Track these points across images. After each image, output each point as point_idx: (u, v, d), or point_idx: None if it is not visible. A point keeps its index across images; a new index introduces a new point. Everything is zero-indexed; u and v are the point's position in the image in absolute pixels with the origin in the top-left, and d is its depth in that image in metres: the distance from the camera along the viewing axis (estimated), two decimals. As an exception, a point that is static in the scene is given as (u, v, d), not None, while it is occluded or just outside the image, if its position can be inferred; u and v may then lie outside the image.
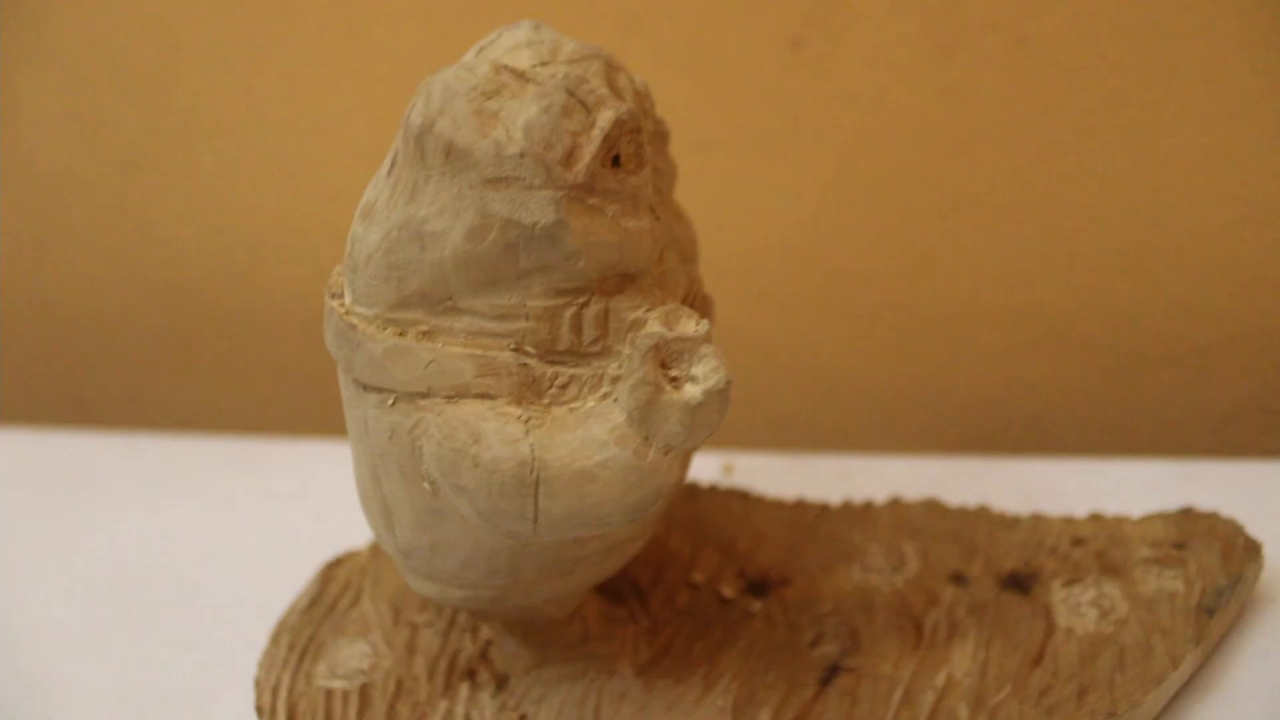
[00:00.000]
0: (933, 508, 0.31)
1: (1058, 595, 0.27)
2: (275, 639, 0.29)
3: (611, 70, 0.22)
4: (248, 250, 0.47)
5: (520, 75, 0.20)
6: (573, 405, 0.21)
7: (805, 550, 0.30)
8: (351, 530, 0.37)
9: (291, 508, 0.39)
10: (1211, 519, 0.28)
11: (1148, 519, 0.29)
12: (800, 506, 0.31)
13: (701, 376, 0.20)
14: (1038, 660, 0.25)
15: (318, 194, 0.45)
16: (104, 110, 0.45)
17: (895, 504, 0.31)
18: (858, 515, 0.31)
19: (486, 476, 0.20)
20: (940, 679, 0.25)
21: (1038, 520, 0.30)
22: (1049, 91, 0.37)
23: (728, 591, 0.29)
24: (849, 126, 0.39)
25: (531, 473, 0.20)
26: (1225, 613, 0.26)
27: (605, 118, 0.20)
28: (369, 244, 0.21)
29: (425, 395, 0.21)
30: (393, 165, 0.21)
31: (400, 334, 0.21)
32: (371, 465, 0.22)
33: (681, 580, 0.29)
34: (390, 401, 0.21)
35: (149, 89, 0.44)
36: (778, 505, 0.32)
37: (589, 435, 0.20)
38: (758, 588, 0.29)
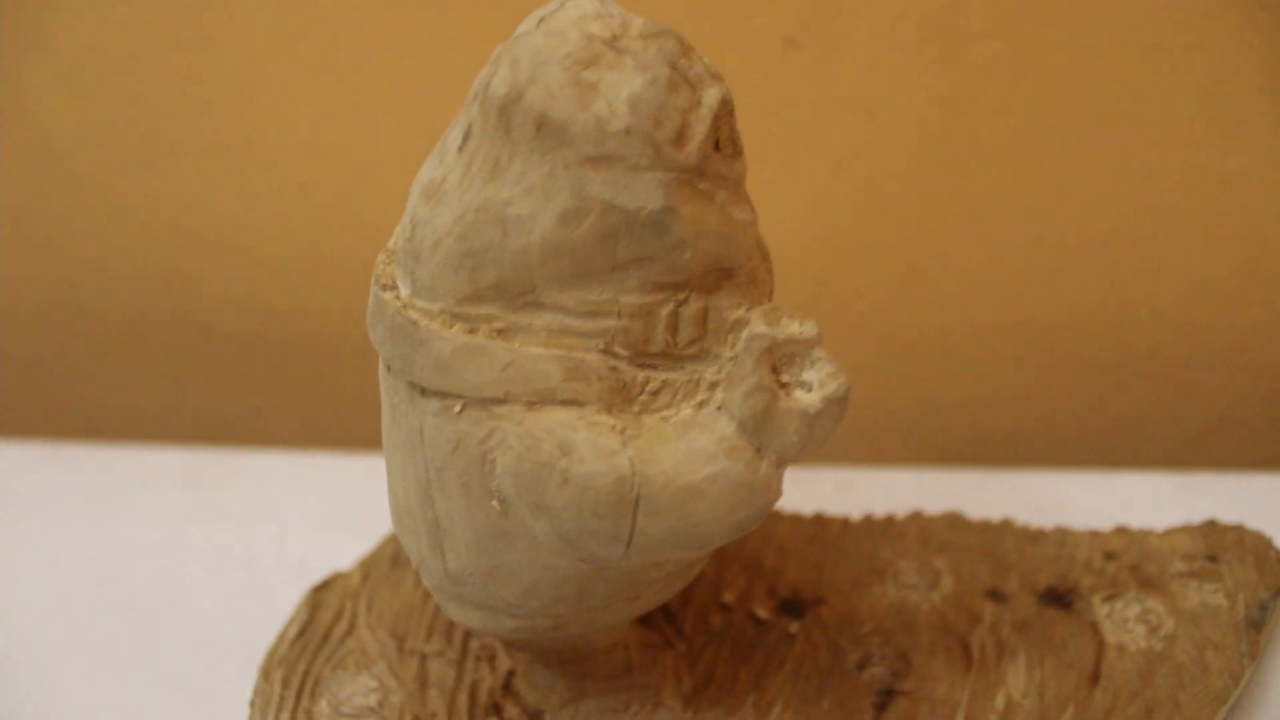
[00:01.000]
0: (956, 521, 0.30)
1: (1101, 611, 0.26)
2: (266, 675, 0.26)
3: (686, 49, 0.20)
4: (185, 251, 0.43)
5: (612, 45, 0.18)
6: (665, 413, 0.19)
7: (834, 567, 0.28)
8: (325, 549, 0.34)
9: (253, 525, 0.36)
10: (1239, 531, 0.28)
11: (1174, 532, 0.29)
12: (821, 521, 0.30)
13: (817, 382, 0.18)
14: (1095, 679, 0.25)
15: (265, 188, 0.42)
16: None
17: (918, 517, 0.30)
18: (882, 530, 0.30)
19: (577, 494, 0.18)
20: (1000, 701, 0.24)
21: (1064, 534, 0.29)
22: (1036, 104, 0.37)
23: (762, 612, 0.27)
24: (836, 134, 0.38)
25: (631, 489, 0.18)
26: (1269, 626, 0.26)
27: (712, 96, 0.18)
28: (437, 228, 0.18)
29: (501, 401, 0.18)
30: (465, 139, 0.18)
31: (471, 331, 0.18)
32: (422, 480, 0.20)
33: (712, 601, 0.27)
34: (457, 408, 0.18)
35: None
36: (797, 520, 0.30)
37: (695, 447, 0.18)
38: (792, 607, 0.27)
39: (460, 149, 0.18)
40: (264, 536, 0.36)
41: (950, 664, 0.25)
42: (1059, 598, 0.27)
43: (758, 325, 0.18)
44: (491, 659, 0.26)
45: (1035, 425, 0.41)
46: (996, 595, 0.27)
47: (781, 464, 0.18)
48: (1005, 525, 0.30)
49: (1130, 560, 0.28)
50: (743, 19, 0.38)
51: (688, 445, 0.18)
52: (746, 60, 0.38)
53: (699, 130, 0.18)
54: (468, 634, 0.27)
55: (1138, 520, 0.31)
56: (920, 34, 0.37)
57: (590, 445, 0.18)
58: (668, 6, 0.38)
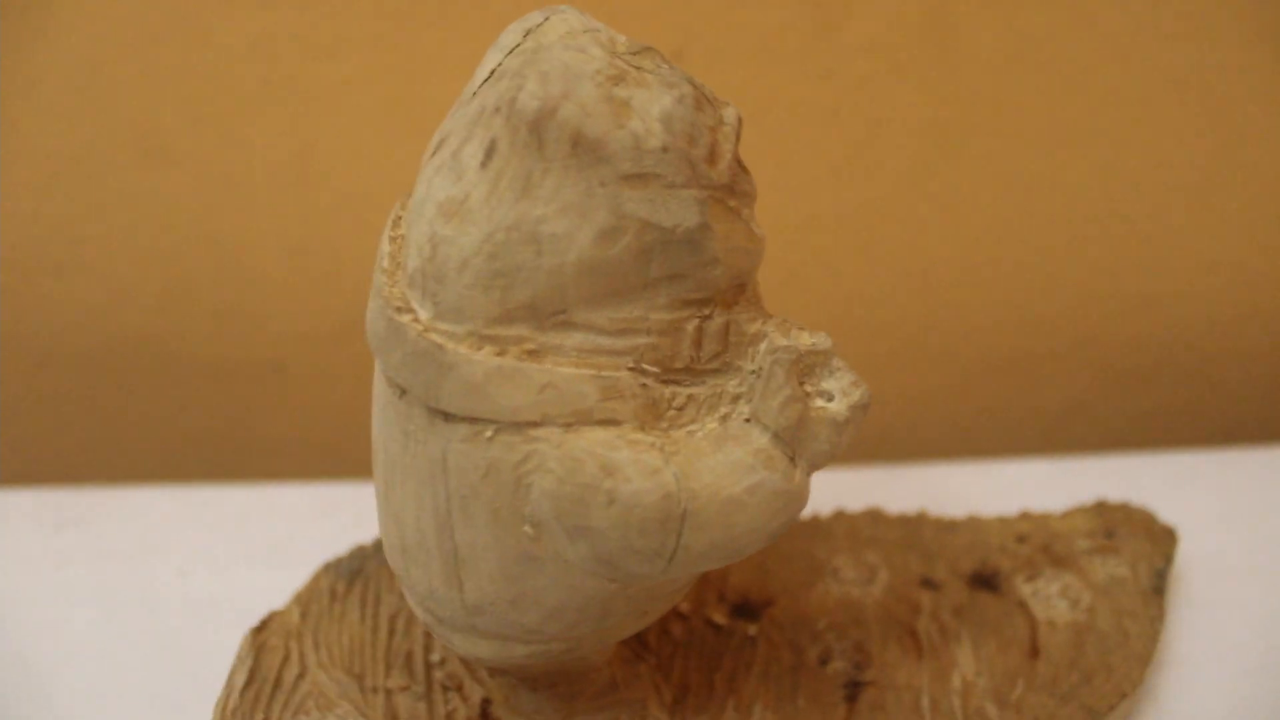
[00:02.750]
0: (877, 517, 0.32)
1: (1025, 590, 0.29)
2: (221, 730, 0.24)
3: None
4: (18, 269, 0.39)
5: (629, 62, 0.18)
6: (690, 428, 0.19)
7: (776, 568, 0.29)
8: (230, 587, 0.32)
9: (145, 565, 0.33)
10: (1126, 509, 0.31)
11: (1071, 513, 0.31)
12: (756, 524, 0.31)
13: (839, 391, 0.19)
14: (1035, 653, 0.27)
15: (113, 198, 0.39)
16: None
17: (841, 515, 0.32)
18: (812, 529, 0.31)
19: (624, 513, 0.18)
20: (956, 682, 0.26)
21: (975, 522, 0.31)
22: (901, 111, 0.39)
23: (718, 618, 0.28)
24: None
25: (678, 505, 0.18)
26: (1167, 591, 0.29)
27: (731, 114, 0.19)
28: (464, 247, 0.18)
29: (538, 424, 0.18)
30: (489, 155, 0.18)
31: (500, 354, 0.18)
32: (441, 510, 0.19)
33: (669, 612, 0.27)
34: (489, 433, 0.18)
35: None
36: (733, 525, 0.31)
37: (733, 459, 0.18)
38: (744, 610, 0.28)
39: (483, 165, 0.18)
40: (159, 577, 0.33)
41: (903, 652, 0.27)
42: (985, 581, 0.29)
43: (780, 338, 0.19)
44: (460, 688, 0.25)
45: (901, 420, 0.43)
46: (930, 584, 0.29)
47: (812, 471, 0.19)
48: (922, 517, 0.32)
49: (1040, 541, 0.30)
50: (630, 29, 0.39)
51: (725, 458, 0.18)
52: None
53: (726, 148, 0.18)
54: (429, 665, 0.26)
55: (1025, 502, 0.33)
56: (802, 45, 0.38)
57: (634, 464, 0.18)
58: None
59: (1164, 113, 0.39)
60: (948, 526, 0.31)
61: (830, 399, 0.19)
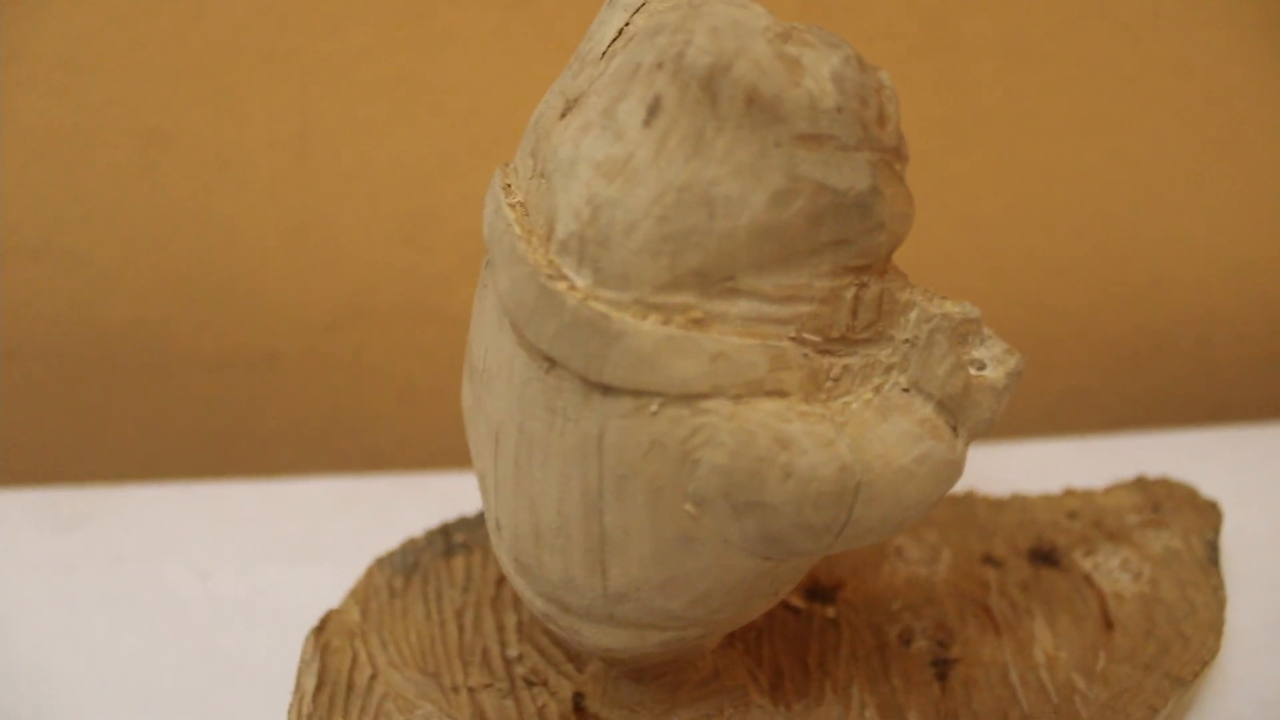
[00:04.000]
0: (927, 497, 0.32)
1: (1086, 564, 0.29)
2: (305, 737, 0.22)
3: None
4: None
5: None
6: (845, 399, 0.18)
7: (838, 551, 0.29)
8: (256, 586, 0.31)
9: (155, 568, 0.31)
10: (1166, 484, 0.32)
11: (1113, 489, 0.32)
12: (813, 507, 0.31)
13: (992, 359, 0.19)
14: (1109, 625, 0.27)
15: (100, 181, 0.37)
16: None
17: (892, 496, 0.31)
18: (868, 510, 0.31)
19: (800, 488, 0.17)
20: (1039, 656, 0.26)
21: (1022, 500, 0.32)
22: (904, 100, 0.39)
23: (796, 601, 0.27)
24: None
25: (853, 477, 0.17)
26: (1220, 561, 0.29)
27: (887, 77, 0.18)
28: (631, 209, 0.17)
29: (708, 396, 0.17)
30: (653, 112, 0.17)
31: (665, 322, 0.17)
32: (591, 491, 0.18)
33: (748, 595, 0.27)
34: (654, 407, 0.17)
35: None
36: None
37: (900, 429, 0.18)
38: (818, 594, 0.28)
39: (647, 123, 0.17)
40: (178, 579, 0.31)
41: (981, 629, 0.27)
42: (1046, 556, 0.29)
43: (933, 306, 0.19)
44: (545, 683, 0.24)
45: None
46: (992, 561, 0.29)
47: (971, 439, 0.19)
48: (972, 496, 0.32)
49: (1090, 517, 0.31)
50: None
51: (893, 428, 0.18)
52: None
53: (891, 110, 0.18)
54: (508, 661, 0.25)
55: (1042, 482, 0.34)
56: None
57: (809, 436, 0.17)
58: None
59: (1165, 100, 0.40)
60: (996, 505, 0.31)
61: (982, 367, 0.19)
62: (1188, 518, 0.30)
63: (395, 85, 0.38)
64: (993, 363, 0.19)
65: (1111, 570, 0.29)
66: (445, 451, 0.43)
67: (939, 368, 0.18)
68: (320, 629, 0.25)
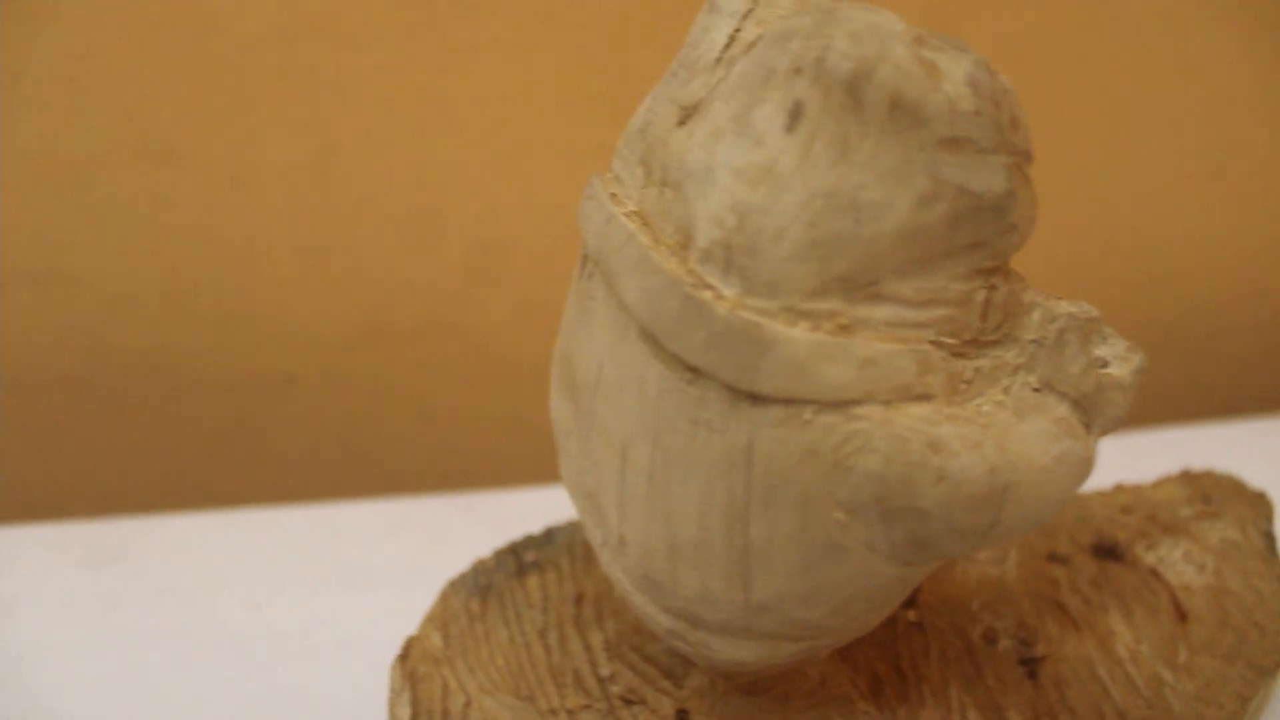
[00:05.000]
0: (981, 497, 0.32)
1: (1150, 558, 0.29)
2: (414, 770, 0.22)
3: None
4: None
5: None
6: (977, 401, 0.18)
7: (908, 554, 0.29)
8: (311, 615, 0.30)
9: (203, 601, 0.30)
10: (1212, 476, 0.32)
11: (1161, 483, 0.32)
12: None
13: (1115, 357, 0.19)
14: (1183, 617, 0.27)
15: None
16: None
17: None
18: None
19: (953, 490, 0.17)
20: (1122, 651, 0.26)
21: (1077, 497, 0.32)
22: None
23: (877, 606, 0.27)
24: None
25: (1001, 478, 0.17)
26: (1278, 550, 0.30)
27: (1008, 82, 0.18)
28: (778, 216, 0.17)
29: (859, 403, 0.17)
30: (795, 118, 0.17)
31: (813, 329, 0.17)
32: (737, 503, 0.18)
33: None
34: (807, 415, 0.17)
35: None
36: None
37: (1039, 429, 0.18)
38: (897, 598, 0.27)
39: (789, 129, 0.17)
40: (229, 611, 0.30)
41: (1060, 626, 0.27)
42: (1109, 552, 0.30)
43: (1058, 306, 0.19)
44: (643, 701, 0.24)
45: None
46: (1057, 558, 0.29)
47: (1101, 437, 0.19)
48: (1024, 494, 0.32)
49: (1145, 512, 0.31)
50: (678, 16, 0.38)
51: (1031, 428, 0.18)
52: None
53: (1020, 113, 0.18)
54: (601, 681, 0.24)
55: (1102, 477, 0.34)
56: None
57: (958, 439, 0.17)
58: (604, 3, 0.37)
59: (1169, 96, 0.41)
60: (1049, 503, 0.32)
61: (1105, 365, 0.19)
62: (1239, 509, 0.31)
63: (413, 101, 0.38)
64: (1116, 360, 0.19)
65: (1175, 563, 0.29)
66: (472, 471, 0.42)
67: (1072, 367, 0.18)
68: (404, 656, 0.24)
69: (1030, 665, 0.26)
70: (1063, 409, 0.18)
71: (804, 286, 0.17)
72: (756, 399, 0.17)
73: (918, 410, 0.17)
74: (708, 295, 0.17)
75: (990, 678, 0.25)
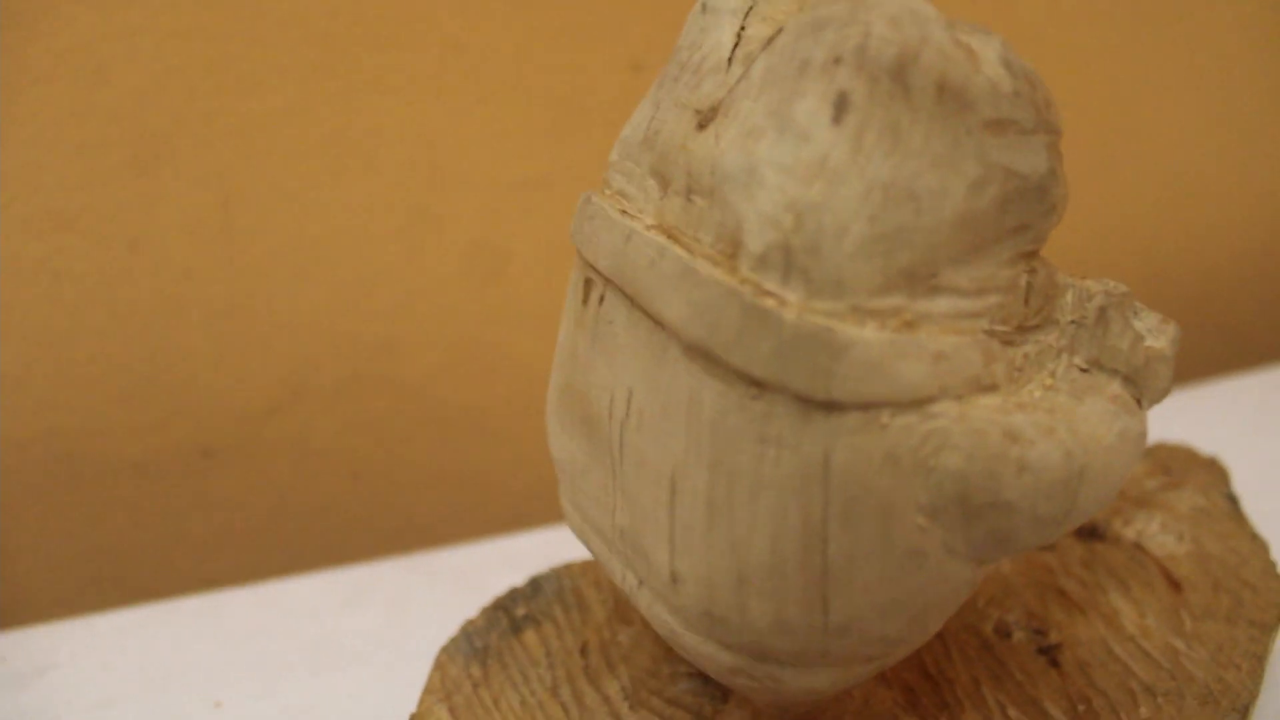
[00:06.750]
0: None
1: (1129, 533, 0.30)
2: None
3: None
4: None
5: None
6: (1029, 387, 0.18)
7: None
8: (281, 705, 0.27)
9: (159, 706, 0.27)
10: (1166, 447, 0.33)
11: (1119, 459, 0.33)
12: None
13: (1150, 330, 0.19)
14: (1177, 587, 0.28)
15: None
16: None
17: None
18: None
19: (1034, 479, 0.16)
20: (1130, 628, 0.26)
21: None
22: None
23: (888, 615, 0.26)
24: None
25: (1076, 462, 0.17)
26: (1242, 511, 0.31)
27: (1029, 63, 0.18)
28: (839, 212, 0.16)
29: (935, 399, 0.16)
30: (841, 109, 0.16)
31: (881, 328, 0.16)
32: (814, 521, 0.16)
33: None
34: (885, 418, 0.16)
35: None
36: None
37: (1098, 409, 0.18)
38: (904, 604, 0.27)
39: (837, 120, 0.16)
40: (191, 713, 0.27)
41: (1066, 611, 0.27)
42: (1091, 532, 0.30)
43: (1092, 285, 0.19)
44: (682, 746, 0.22)
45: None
46: (1045, 545, 0.29)
47: (1149, 408, 0.19)
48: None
49: (1112, 488, 0.32)
50: (589, 45, 0.37)
51: (1091, 408, 0.18)
52: (593, 84, 0.37)
53: (1049, 94, 0.18)
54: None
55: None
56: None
57: (1032, 426, 0.17)
58: (517, 31, 0.36)
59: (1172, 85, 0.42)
60: (1019, 491, 0.32)
61: (1141, 339, 0.19)
62: (1198, 476, 0.32)
63: (321, 143, 0.36)
64: (1151, 334, 0.19)
65: (1155, 535, 0.30)
66: (410, 529, 0.40)
67: (1121, 342, 0.18)
68: (418, 729, 0.22)
69: (1049, 654, 0.26)
70: (1115, 386, 0.18)
71: (869, 284, 0.16)
72: (831, 407, 0.16)
73: (988, 402, 0.17)
74: (771, 302, 0.16)
75: (1016, 672, 0.25)
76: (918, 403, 0.16)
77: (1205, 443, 0.35)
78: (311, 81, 0.35)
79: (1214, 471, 0.32)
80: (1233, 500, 0.31)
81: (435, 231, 0.38)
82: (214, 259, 0.35)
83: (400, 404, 0.39)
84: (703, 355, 0.17)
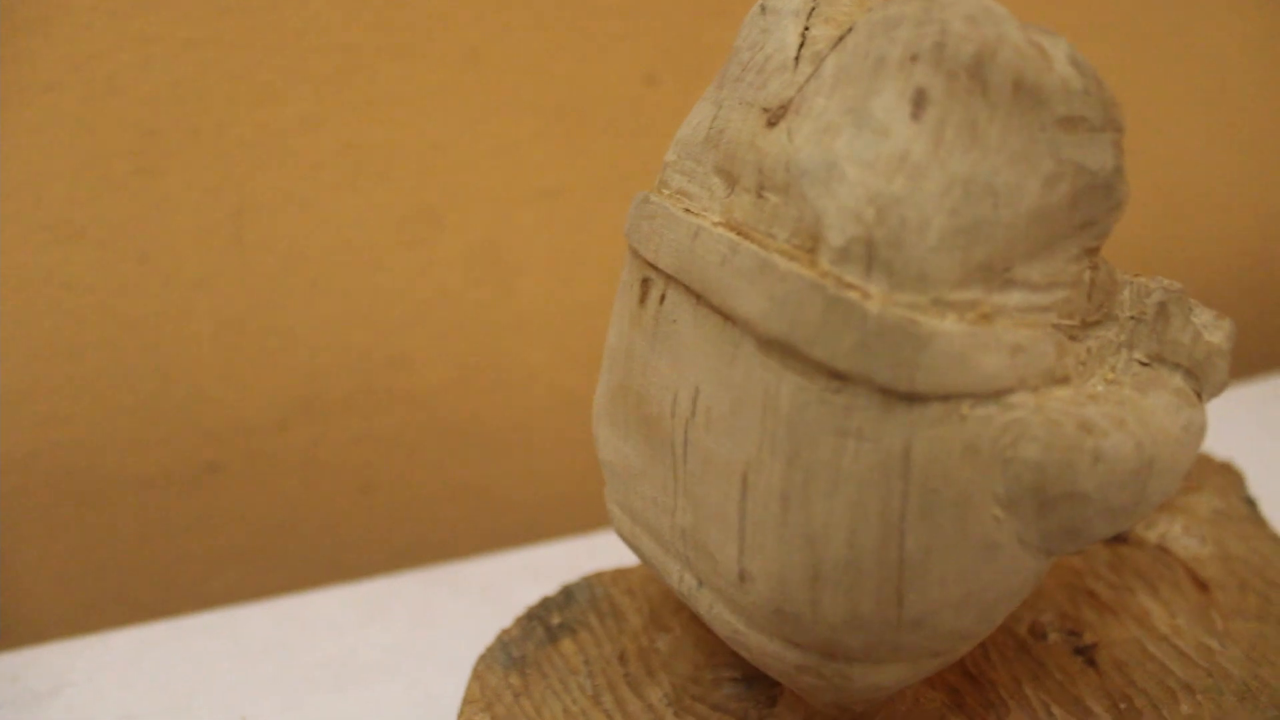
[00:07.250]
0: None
1: (1152, 536, 0.30)
2: None
3: None
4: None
5: None
6: (1091, 381, 0.18)
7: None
8: (313, 716, 0.27)
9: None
10: (1177, 451, 0.34)
11: (1134, 464, 0.34)
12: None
13: (1205, 326, 0.19)
14: (1205, 587, 0.28)
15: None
16: None
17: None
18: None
19: (1108, 470, 0.16)
20: (1163, 627, 0.27)
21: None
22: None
23: (925, 619, 0.26)
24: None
25: (1146, 453, 0.17)
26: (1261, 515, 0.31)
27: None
28: (921, 206, 0.16)
29: (1013, 391, 0.16)
30: (920, 105, 0.16)
31: (960, 320, 0.16)
32: (893, 514, 0.16)
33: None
34: (965, 409, 0.16)
35: None
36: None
37: (1163, 402, 0.18)
38: (938, 608, 0.27)
39: (916, 116, 0.16)
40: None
41: (1098, 612, 0.27)
42: (1116, 535, 0.30)
43: (1148, 281, 0.19)
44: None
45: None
46: (1114, 537, 0.30)
47: (1208, 401, 0.19)
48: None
49: (1131, 492, 0.32)
50: (603, 57, 0.37)
51: (1156, 401, 0.18)
52: (607, 96, 0.37)
53: (1113, 93, 0.18)
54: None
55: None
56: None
57: (1105, 418, 0.17)
58: (531, 44, 0.36)
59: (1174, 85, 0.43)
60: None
61: (1201, 334, 0.19)
62: (1215, 479, 0.32)
63: (334, 153, 0.35)
64: (1208, 329, 0.19)
65: (1178, 537, 0.30)
66: (423, 542, 0.39)
67: (1183, 337, 0.19)
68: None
69: (1086, 654, 0.26)
70: (1177, 379, 0.19)
71: (950, 277, 0.16)
72: (913, 399, 0.16)
73: (1062, 394, 0.17)
74: (854, 295, 0.16)
75: (1056, 671, 0.25)
76: (996, 394, 0.17)
77: (1216, 448, 0.35)
78: (324, 92, 0.35)
79: (1229, 475, 0.33)
80: (1251, 503, 0.31)
81: (447, 244, 0.37)
82: (224, 271, 0.35)
83: (411, 417, 0.39)
84: (781, 349, 0.17)
